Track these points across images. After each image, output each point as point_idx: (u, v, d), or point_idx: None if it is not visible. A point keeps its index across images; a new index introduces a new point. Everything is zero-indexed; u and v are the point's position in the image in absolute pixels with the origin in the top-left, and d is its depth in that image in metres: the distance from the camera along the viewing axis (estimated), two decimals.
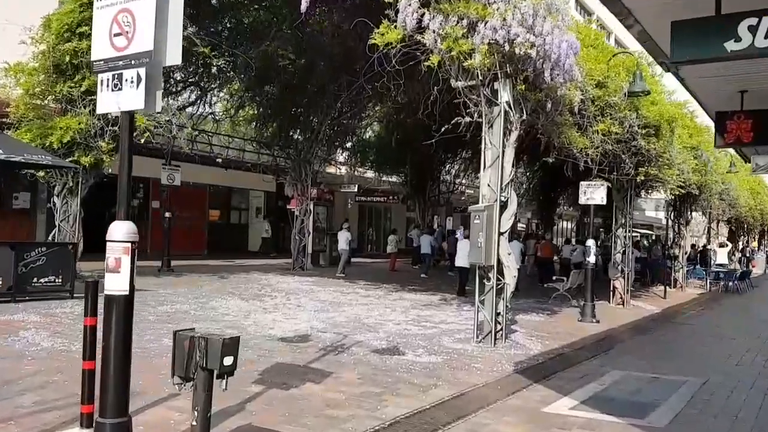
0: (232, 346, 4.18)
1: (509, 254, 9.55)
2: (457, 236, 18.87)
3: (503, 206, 9.49)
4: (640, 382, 7.48)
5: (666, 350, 10.34)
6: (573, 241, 24.18)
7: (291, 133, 20.05)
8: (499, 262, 9.37)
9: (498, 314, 9.36)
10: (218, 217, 27.33)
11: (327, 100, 19.57)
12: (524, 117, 9.58)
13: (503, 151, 9.39)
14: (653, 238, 32.27)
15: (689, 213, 23.00)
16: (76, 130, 13.20)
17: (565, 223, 52.44)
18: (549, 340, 10.04)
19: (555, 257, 22.00)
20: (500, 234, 9.43)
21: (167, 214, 17.67)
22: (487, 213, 9.28)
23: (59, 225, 14.09)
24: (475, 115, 9.55)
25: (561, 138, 10.95)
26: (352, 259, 23.77)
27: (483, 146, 9.62)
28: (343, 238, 19.92)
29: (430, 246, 21.81)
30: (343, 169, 25.77)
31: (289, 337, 8.92)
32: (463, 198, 33.34)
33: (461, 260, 15.35)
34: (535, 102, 9.83)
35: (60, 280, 11.21)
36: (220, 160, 18.65)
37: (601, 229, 53.67)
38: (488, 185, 9.50)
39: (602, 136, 12.05)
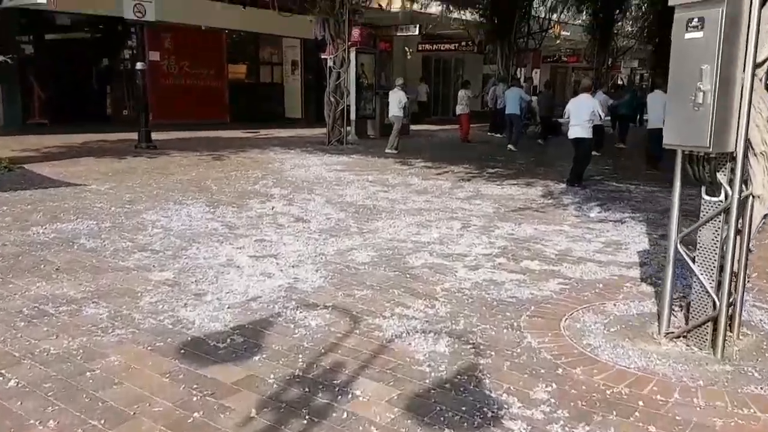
0: None
1: None
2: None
3: None
4: None
5: None
6: None
7: None
8: (746, 147, 3.60)
9: (734, 276, 3.74)
10: (245, 75, 21.83)
11: None
12: None
13: None
14: None
15: None
16: None
17: None
18: None
19: None
20: (755, 69, 3.54)
21: (139, 65, 12.34)
22: (728, 9, 3.36)
23: None
24: None
25: None
26: (412, 127, 18.10)
27: None
28: (396, 101, 14.12)
29: (518, 104, 15.59)
30: (397, 3, 19.15)
31: (216, 333, 3.72)
32: (557, 42, 26.01)
33: (580, 129, 9.58)
34: None
35: None
36: None
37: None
38: None
39: None
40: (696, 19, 3.48)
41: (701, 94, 3.46)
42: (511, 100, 15.37)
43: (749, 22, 3.42)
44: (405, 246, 5.86)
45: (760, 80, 3.65)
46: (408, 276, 4.95)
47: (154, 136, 13.17)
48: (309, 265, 5.10)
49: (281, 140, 15.37)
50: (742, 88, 3.48)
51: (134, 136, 12.99)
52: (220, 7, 16.98)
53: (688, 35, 3.54)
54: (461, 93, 17.44)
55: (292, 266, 5.07)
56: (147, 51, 16.81)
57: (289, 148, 13.76)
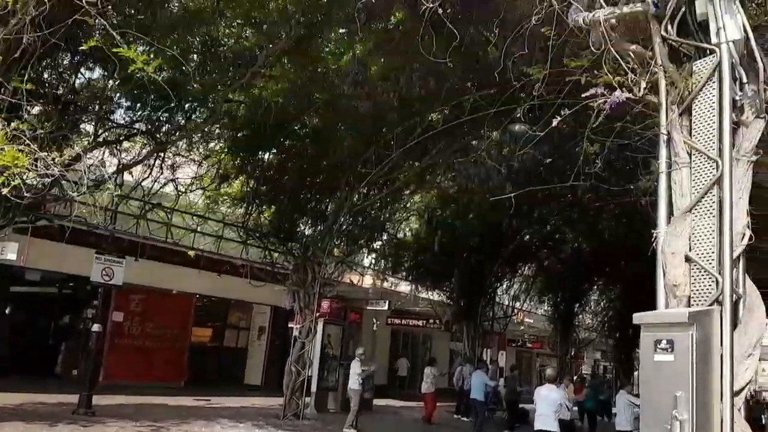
0: None
1: None
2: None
3: (734, 313, 3.46)
4: None
5: None
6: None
7: (295, 220, 14.59)
8: None
9: None
10: (209, 338, 21.43)
11: (348, 179, 14.21)
12: None
13: (730, 168, 3.52)
14: None
15: None
16: None
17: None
18: None
19: None
20: (733, 399, 3.30)
21: (95, 328, 11.95)
22: (697, 334, 3.25)
23: None
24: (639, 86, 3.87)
25: None
26: (375, 402, 17.22)
27: (659, 162, 3.81)
28: (355, 373, 13.47)
29: (483, 390, 15.16)
30: (368, 280, 19.90)
31: None
32: (521, 328, 26.67)
33: (546, 420, 9.13)
34: None
35: None
36: (192, 254, 13.16)
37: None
38: (686, 257, 3.54)
39: None
40: (665, 341, 3.34)
41: (677, 423, 3.15)
42: (476, 386, 14.98)
43: (722, 346, 3.29)
44: None
45: (739, 410, 3.38)
46: None
47: (100, 399, 12.21)
48: None
49: (232, 411, 14.32)
50: (722, 419, 3.20)
51: (77, 399, 11.98)
52: (194, 274, 17.19)
53: (657, 357, 3.36)
54: (427, 370, 17.05)
55: None
56: (111, 311, 16.62)
57: (239, 421, 12.73)
